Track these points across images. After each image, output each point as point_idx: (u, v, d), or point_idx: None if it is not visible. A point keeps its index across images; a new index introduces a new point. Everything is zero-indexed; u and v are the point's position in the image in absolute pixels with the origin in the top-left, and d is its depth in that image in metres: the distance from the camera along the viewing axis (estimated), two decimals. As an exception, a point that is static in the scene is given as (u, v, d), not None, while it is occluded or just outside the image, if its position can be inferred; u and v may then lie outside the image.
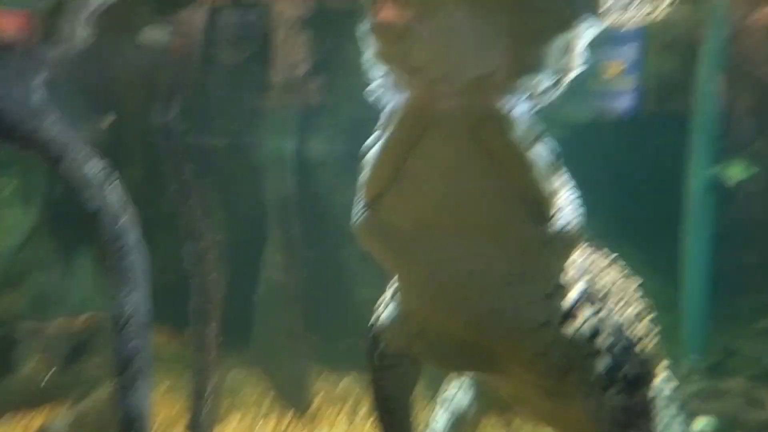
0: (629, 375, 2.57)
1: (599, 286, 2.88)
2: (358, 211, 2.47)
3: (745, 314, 7.58)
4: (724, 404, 6.17)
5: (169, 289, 6.84)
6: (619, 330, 2.64)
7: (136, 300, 2.40)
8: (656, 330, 3.41)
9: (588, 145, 10.59)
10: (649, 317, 3.34)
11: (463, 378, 4.16)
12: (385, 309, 3.00)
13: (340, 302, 6.71)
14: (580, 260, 2.90)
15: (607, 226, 10.60)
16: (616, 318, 2.68)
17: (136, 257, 2.48)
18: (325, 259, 6.84)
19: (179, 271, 6.64)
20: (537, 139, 2.34)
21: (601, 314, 2.66)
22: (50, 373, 5.17)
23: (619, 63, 9.96)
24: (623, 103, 9.69)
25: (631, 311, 3.15)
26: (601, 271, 3.12)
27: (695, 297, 8.31)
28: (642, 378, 2.58)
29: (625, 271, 3.48)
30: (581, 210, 2.53)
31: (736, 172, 7.99)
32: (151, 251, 6.87)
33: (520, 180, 2.13)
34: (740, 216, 8.13)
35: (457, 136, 1.99)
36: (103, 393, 4.47)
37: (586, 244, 3.26)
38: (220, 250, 5.97)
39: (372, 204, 2.36)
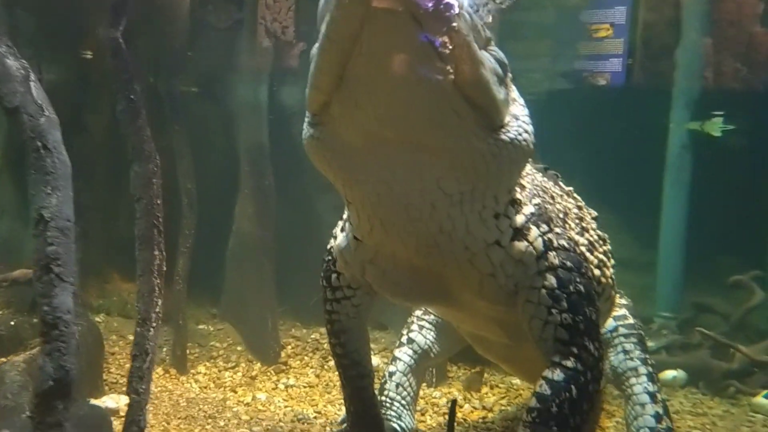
0: (573, 294, 2.55)
1: (554, 210, 2.84)
2: (305, 125, 2.40)
3: (718, 272, 7.61)
4: (692, 357, 6.23)
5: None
6: (567, 250, 2.60)
7: (57, 202, 2.29)
8: (612, 260, 3.39)
9: (572, 108, 10.62)
10: (605, 247, 3.32)
11: (425, 319, 4.15)
12: (338, 237, 2.95)
13: (313, 254, 6.63)
14: (534, 180, 2.86)
15: (589, 189, 10.70)
16: (567, 239, 2.64)
17: (58, 159, 2.36)
18: (298, 210, 6.76)
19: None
20: (487, 43, 2.27)
21: (551, 234, 2.61)
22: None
23: (606, 26, 9.91)
24: (611, 66, 9.66)
25: (586, 237, 3.13)
26: (559, 196, 3.09)
27: (669, 255, 8.37)
28: (586, 297, 2.55)
29: (582, 203, 3.45)
30: (531, 124, 2.47)
31: (713, 129, 7.98)
32: (121, 206, 6.88)
33: (467, 80, 2.05)
34: (716, 175, 8.14)
35: (397, 28, 1.87)
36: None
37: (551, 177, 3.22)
38: (191, 199, 5.92)
39: (318, 116, 2.28)
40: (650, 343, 6.78)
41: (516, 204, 2.61)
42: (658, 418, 3.37)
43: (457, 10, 1.89)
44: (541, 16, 10.78)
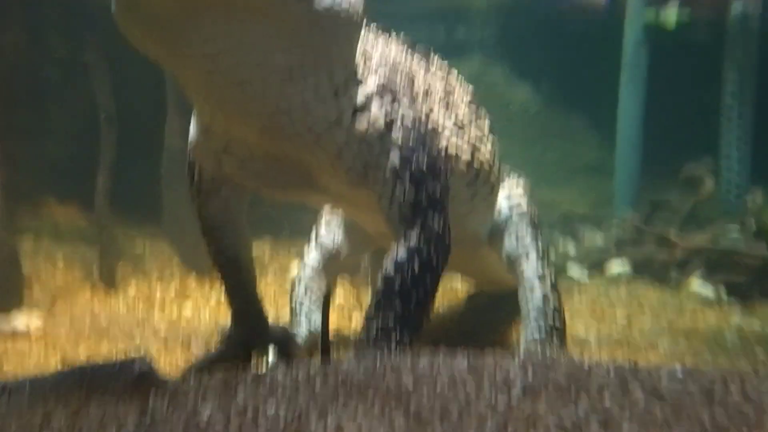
0: (416, 171, 2.43)
1: (406, 86, 2.67)
2: None
3: (674, 167, 7.50)
4: (639, 252, 6.20)
5: (72, 166, 6.69)
6: (410, 128, 2.45)
7: None
8: (490, 143, 3.24)
9: (537, 3, 10.26)
10: (480, 127, 3.16)
11: (333, 220, 4.02)
12: (191, 128, 2.79)
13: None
14: (384, 55, 2.68)
15: (552, 90, 10.45)
16: (412, 116, 2.49)
17: None
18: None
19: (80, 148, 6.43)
20: None
21: (394, 113, 2.46)
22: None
23: None
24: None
25: (454, 116, 2.97)
26: (424, 72, 2.91)
27: (626, 155, 8.24)
28: (430, 174, 2.43)
29: (461, 78, 3.26)
30: None
31: (670, 17, 7.68)
32: (47, 126, 6.67)
33: None
34: (671, 70, 7.90)
35: None
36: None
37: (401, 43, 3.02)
38: (109, 114, 5.70)
39: None
40: (598, 240, 6.79)
41: (357, 81, 2.46)
42: (545, 300, 3.31)
43: None
44: None
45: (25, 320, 4.36)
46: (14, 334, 4.27)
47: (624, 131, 8.16)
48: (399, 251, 2.44)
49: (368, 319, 2.48)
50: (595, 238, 6.81)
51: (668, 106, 7.90)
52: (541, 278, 3.37)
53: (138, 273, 5.75)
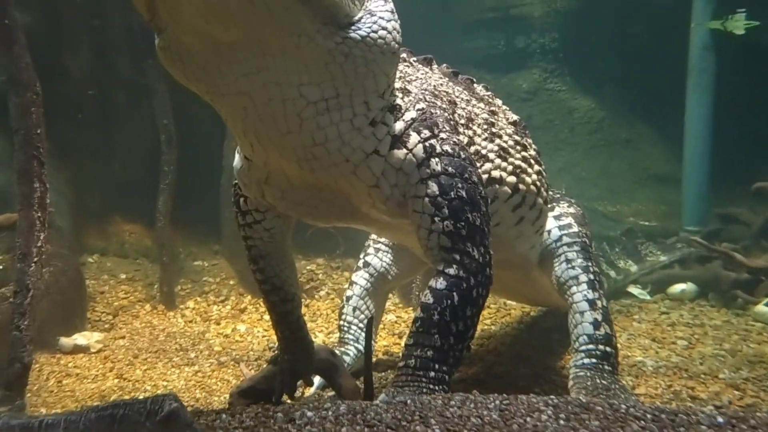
0: (455, 200, 2.36)
1: (447, 115, 2.62)
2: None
3: (744, 180, 7.14)
4: (704, 270, 5.92)
5: (139, 186, 6.89)
6: (450, 155, 2.40)
7: None
8: (536, 166, 3.16)
9: (598, 12, 10.00)
10: (525, 152, 3.08)
11: (381, 241, 4.01)
12: (236, 158, 2.82)
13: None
14: (424, 84, 2.64)
15: (617, 98, 10.13)
16: (452, 144, 2.43)
17: None
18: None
19: (147, 168, 6.62)
20: None
21: (433, 140, 2.41)
22: None
23: None
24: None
25: (497, 143, 2.90)
26: (465, 101, 2.86)
27: (694, 167, 7.87)
28: (469, 203, 2.35)
29: (504, 108, 3.21)
30: (394, 21, 2.26)
31: (737, 26, 7.34)
32: (114, 147, 6.90)
33: None
34: (740, 76, 7.56)
35: None
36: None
37: (440, 71, 2.98)
38: (169, 135, 5.86)
39: (154, 22, 2.14)
40: (662, 258, 6.53)
41: (395, 110, 2.43)
42: (596, 324, 3.19)
43: None
44: None
45: (86, 338, 4.52)
46: (76, 351, 4.43)
47: (692, 140, 7.82)
48: (439, 281, 2.38)
49: (408, 347, 2.43)
50: (660, 255, 6.54)
51: (738, 114, 7.55)
52: (592, 303, 3.26)
53: (196, 291, 5.89)
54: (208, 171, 6.39)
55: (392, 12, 2.26)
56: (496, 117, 3.01)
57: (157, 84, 5.85)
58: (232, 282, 6.06)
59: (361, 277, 3.98)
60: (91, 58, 6.34)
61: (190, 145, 6.31)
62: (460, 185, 2.39)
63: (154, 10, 2.03)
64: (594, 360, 3.21)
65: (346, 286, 4.06)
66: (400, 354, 2.49)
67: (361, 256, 4.05)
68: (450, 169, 2.40)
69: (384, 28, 2.17)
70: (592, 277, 3.32)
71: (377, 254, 3.99)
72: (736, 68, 7.47)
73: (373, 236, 4.05)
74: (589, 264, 3.36)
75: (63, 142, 5.99)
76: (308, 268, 6.35)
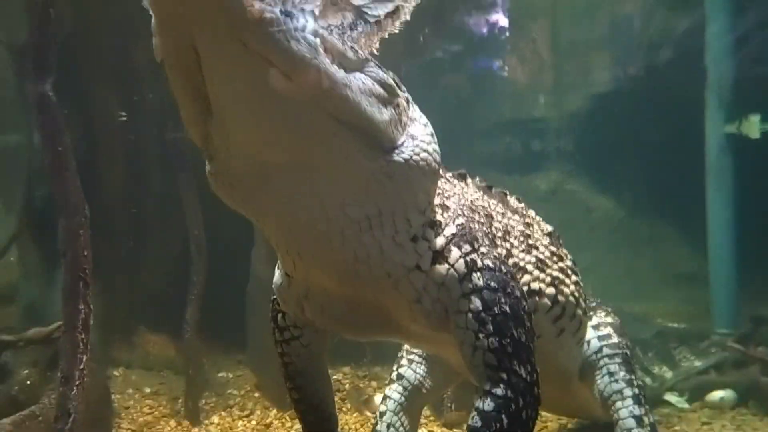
0: (499, 315, 2.33)
1: (486, 229, 2.65)
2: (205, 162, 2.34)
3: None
4: (742, 375, 5.75)
5: (164, 296, 6.93)
6: (492, 270, 2.39)
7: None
8: (574, 276, 3.14)
9: (613, 115, 10.24)
10: (562, 263, 3.07)
11: (414, 352, 3.95)
12: (276, 275, 2.84)
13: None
14: (461, 200, 2.68)
15: (636, 198, 10.16)
16: (492, 258, 2.43)
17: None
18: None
19: (173, 278, 6.69)
20: (361, 64, 2.14)
21: (474, 255, 2.42)
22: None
23: None
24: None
25: (534, 255, 2.91)
26: (501, 214, 2.89)
27: (721, 266, 7.80)
28: (513, 318, 2.33)
29: (538, 219, 3.23)
30: (434, 143, 2.33)
31: (753, 127, 7.46)
32: (143, 257, 7.00)
33: (328, 100, 1.90)
34: (760, 176, 7.60)
35: (225, 49, 1.73)
36: (47, 398, 4.43)
37: (476, 183, 3.03)
38: (199, 245, 5.93)
39: (207, 150, 2.21)
40: (697, 363, 6.35)
41: (435, 225, 2.45)
42: (644, 442, 3.07)
43: (278, 27, 1.75)
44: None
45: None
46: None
47: (716, 240, 7.78)
48: (486, 402, 2.30)
49: None
50: (694, 359, 6.37)
51: (762, 212, 7.54)
52: (639, 420, 3.15)
53: (221, 404, 5.79)
54: (234, 278, 6.42)
55: (432, 135, 2.34)
56: (531, 228, 3.04)
57: (189, 195, 5.99)
58: (257, 395, 5.95)
59: (394, 391, 3.89)
60: (124, 171, 6.55)
61: (216, 252, 6.38)
62: (503, 300, 2.37)
63: (209, 139, 2.11)
64: None
65: (375, 397, 3.97)
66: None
67: (394, 368, 3.97)
68: (492, 283, 2.39)
69: (425, 150, 2.25)
70: (637, 391, 3.23)
71: (411, 366, 3.92)
72: (756, 168, 7.52)
73: (406, 347, 3.99)
74: (633, 377, 3.28)
75: (94, 253, 6.09)
76: (334, 377, 6.23)
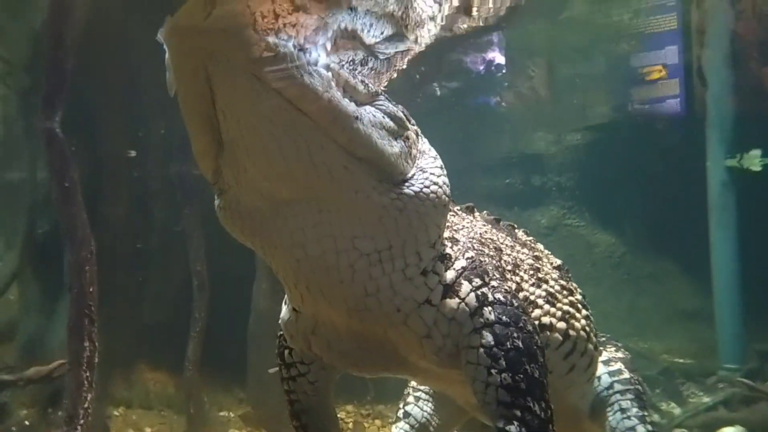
0: (511, 350, 2.29)
1: (495, 262, 2.62)
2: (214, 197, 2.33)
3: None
4: (753, 411, 5.67)
5: (165, 331, 6.86)
6: (503, 304, 2.36)
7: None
8: (584, 311, 3.10)
9: (613, 150, 10.29)
10: (572, 297, 3.04)
11: (421, 389, 3.89)
12: (283, 310, 2.81)
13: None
14: (471, 233, 2.67)
15: (637, 233, 10.13)
16: (503, 292, 2.40)
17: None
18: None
19: (174, 313, 6.65)
20: (372, 97, 2.15)
21: (485, 289, 2.39)
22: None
23: (659, 68, 9.66)
24: (670, 108, 9.35)
25: (544, 289, 2.87)
26: (510, 247, 2.87)
27: (726, 302, 7.77)
28: (526, 354, 2.29)
29: (546, 252, 3.21)
30: (444, 176, 2.33)
31: (753, 162, 7.51)
32: (144, 292, 6.96)
33: (339, 134, 1.94)
34: (763, 209, 7.61)
35: (240, 84, 1.75)
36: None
37: (486, 218, 3.02)
38: (201, 281, 5.91)
39: (217, 185, 2.21)
40: (705, 399, 6.28)
41: (445, 259, 2.43)
42: (661, 482, 3.01)
43: (292, 61, 1.77)
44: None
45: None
46: None
47: (720, 276, 7.77)
48: None
49: None
50: (702, 396, 6.30)
51: (766, 247, 7.53)
52: (652, 457, 3.09)
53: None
54: (235, 314, 6.38)
55: (441, 168, 2.32)
56: (540, 262, 3.01)
57: (193, 231, 5.98)
58: (258, 432, 5.86)
59: (401, 429, 3.80)
60: (128, 206, 6.55)
61: (217, 288, 6.35)
62: (515, 335, 2.32)
63: (219, 173, 2.11)
64: None
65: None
66: None
67: (401, 405, 3.89)
68: (504, 318, 2.35)
69: (435, 183, 2.23)
70: (650, 428, 3.17)
71: (418, 403, 3.84)
72: (758, 202, 7.54)
73: (413, 384, 3.93)
74: (645, 414, 3.22)
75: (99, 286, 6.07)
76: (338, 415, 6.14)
